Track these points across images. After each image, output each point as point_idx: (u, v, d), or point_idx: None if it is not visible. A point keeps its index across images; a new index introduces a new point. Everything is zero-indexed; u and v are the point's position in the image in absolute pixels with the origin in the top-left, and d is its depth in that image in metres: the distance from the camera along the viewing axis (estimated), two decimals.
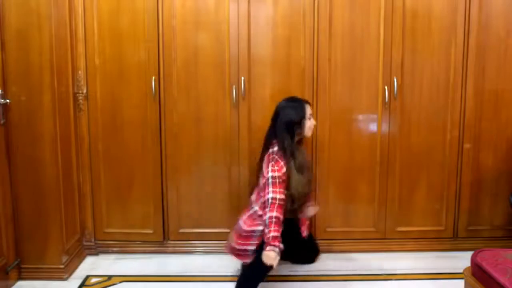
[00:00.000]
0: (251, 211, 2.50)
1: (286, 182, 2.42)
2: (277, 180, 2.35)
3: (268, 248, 2.23)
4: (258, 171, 2.56)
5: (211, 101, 2.86)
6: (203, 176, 2.93)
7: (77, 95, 2.82)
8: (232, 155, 2.90)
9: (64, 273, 2.65)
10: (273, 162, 2.38)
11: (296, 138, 2.50)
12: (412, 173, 2.94)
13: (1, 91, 2.45)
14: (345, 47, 2.82)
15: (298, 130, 2.48)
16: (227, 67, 2.82)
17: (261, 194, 2.41)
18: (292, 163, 2.44)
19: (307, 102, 2.54)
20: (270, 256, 2.22)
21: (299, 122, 2.47)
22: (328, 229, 2.98)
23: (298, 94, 2.70)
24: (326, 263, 2.85)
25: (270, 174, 2.36)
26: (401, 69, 2.84)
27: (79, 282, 2.64)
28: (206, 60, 2.82)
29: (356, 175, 2.94)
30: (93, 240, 2.97)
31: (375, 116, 2.89)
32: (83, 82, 2.82)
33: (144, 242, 2.98)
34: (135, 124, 2.86)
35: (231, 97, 2.84)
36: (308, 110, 2.52)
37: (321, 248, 2.97)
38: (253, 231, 2.43)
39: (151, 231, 2.97)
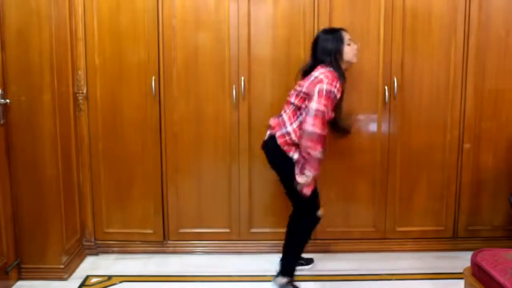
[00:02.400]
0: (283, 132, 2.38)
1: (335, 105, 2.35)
2: (330, 95, 2.25)
3: (303, 172, 2.28)
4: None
5: (211, 101, 2.86)
6: (203, 176, 2.93)
7: (77, 95, 2.82)
8: (232, 155, 2.90)
9: (64, 273, 2.65)
10: (329, 79, 2.26)
11: (343, 66, 2.43)
12: (412, 173, 2.94)
13: (1, 91, 2.45)
14: None
15: (340, 59, 2.40)
16: (227, 67, 2.82)
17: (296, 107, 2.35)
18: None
19: (343, 29, 2.46)
20: (303, 181, 2.27)
21: (339, 50, 2.39)
22: (328, 229, 2.98)
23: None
24: (326, 263, 2.85)
25: (324, 86, 2.24)
26: (401, 69, 2.84)
27: (79, 282, 2.64)
28: (206, 60, 2.82)
29: (356, 175, 2.94)
30: (93, 240, 2.97)
31: (375, 116, 2.89)
32: (83, 82, 2.82)
33: (144, 242, 2.99)
34: (135, 124, 2.86)
35: (231, 97, 2.84)
36: (346, 36, 2.44)
37: (321, 248, 2.97)
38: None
39: (151, 231, 2.97)
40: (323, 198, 2.93)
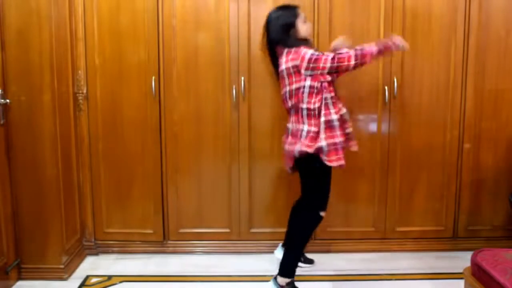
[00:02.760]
0: (300, 132, 2.30)
1: None
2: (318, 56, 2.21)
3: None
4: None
5: (211, 101, 2.86)
6: (203, 176, 2.93)
7: (77, 95, 2.82)
8: (232, 155, 2.90)
9: (64, 273, 2.65)
10: (299, 53, 2.23)
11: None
12: (412, 173, 2.94)
13: (1, 91, 2.45)
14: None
15: (295, 34, 2.32)
16: (227, 67, 2.82)
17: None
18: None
19: (297, 6, 2.41)
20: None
21: (293, 24, 2.32)
22: (328, 229, 2.98)
23: None
24: (326, 263, 2.85)
25: (307, 53, 2.21)
26: (401, 69, 2.84)
27: (79, 282, 2.64)
28: (206, 60, 2.82)
29: (356, 175, 2.94)
30: (93, 240, 2.97)
31: (375, 116, 2.89)
32: (83, 82, 2.82)
33: (144, 242, 2.98)
34: (135, 124, 2.86)
35: (231, 97, 2.84)
36: (302, 13, 2.38)
37: (321, 248, 2.97)
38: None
39: (151, 231, 2.97)
40: None
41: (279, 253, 2.71)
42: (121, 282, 2.64)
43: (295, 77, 2.26)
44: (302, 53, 2.23)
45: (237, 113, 2.86)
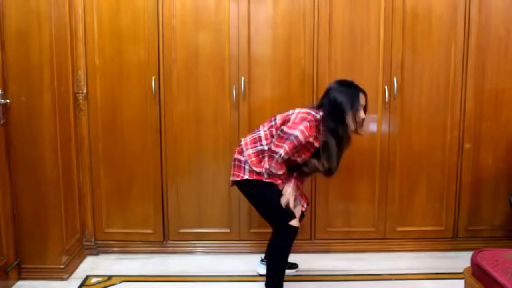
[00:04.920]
0: (257, 146, 2.38)
1: (312, 149, 2.34)
2: (294, 141, 2.22)
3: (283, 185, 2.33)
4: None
5: (211, 101, 2.86)
6: (203, 176, 2.93)
7: (77, 95, 2.82)
8: (232, 155, 2.89)
9: (64, 273, 2.65)
10: (308, 123, 2.23)
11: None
12: (412, 173, 2.94)
13: (1, 91, 2.45)
14: (345, 47, 2.82)
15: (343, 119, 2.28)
16: (227, 67, 2.82)
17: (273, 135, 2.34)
18: (331, 139, 2.28)
19: (362, 90, 2.31)
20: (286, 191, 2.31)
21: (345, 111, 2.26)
22: (328, 229, 2.98)
23: (298, 94, 2.71)
24: (326, 263, 2.85)
25: (296, 132, 2.22)
26: (401, 69, 2.84)
27: (79, 282, 2.64)
28: (206, 60, 2.82)
29: (356, 175, 2.94)
30: (93, 240, 2.97)
31: (375, 116, 2.89)
32: (83, 82, 2.82)
33: (144, 242, 2.98)
34: (135, 124, 2.86)
35: (231, 97, 2.84)
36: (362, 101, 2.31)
37: (321, 248, 2.97)
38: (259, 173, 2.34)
39: (151, 231, 2.97)
40: (323, 198, 2.94)
41: (261, 269, 2.66)
42: (121, 282, 2.64)
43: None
44: (293, 123, 2.27)
45: (237, 113, 2.86)
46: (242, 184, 2.41)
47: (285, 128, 2.26)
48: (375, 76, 2.84)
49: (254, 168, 2.34)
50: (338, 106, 2.25)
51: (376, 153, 2.92)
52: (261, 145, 2.37)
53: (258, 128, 2.45)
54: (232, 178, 2.44)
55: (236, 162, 2.42)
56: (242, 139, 2.46)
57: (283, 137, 2.25)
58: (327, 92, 2.34)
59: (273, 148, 2.27)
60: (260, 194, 2.36)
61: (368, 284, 2.62)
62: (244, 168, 2.37)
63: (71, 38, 2.74)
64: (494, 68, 2.85)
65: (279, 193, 2.32)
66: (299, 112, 2.30)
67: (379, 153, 2.92)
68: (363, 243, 3.00)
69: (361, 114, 2.30)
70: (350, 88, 2.30)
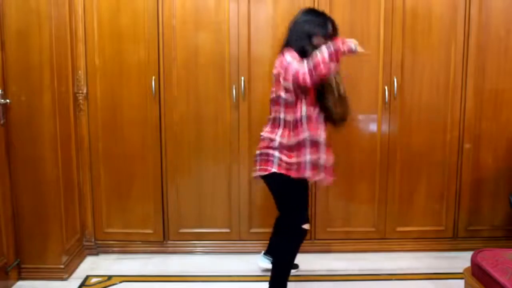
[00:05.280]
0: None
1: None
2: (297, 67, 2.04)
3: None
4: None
5: (211, 101, 2.86)
6: (203, 176, 2.93)
7: (77, 95, 2.82)
8: (232, 155, 2.90)
9: (64, 273, 2.65)
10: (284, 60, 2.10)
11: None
12: (412, 173, 2.94)
13: (1, 91, 2.45)
14: None
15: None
16: (227, 67, 2.82)
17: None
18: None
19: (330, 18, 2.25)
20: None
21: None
22: (328, 229, 2.98)
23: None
24: (326, 263, 2.85)
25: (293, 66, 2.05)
26: (401, 69, 2.84)
27: (79, 282, 2.64)
28: (206, 60, 2.82)
29: (356, 175, 2.94)
30: (93, 240, 2.97)
31: (375, 116, 2.89)
32: (83, 82, 2.82)
33: (144, 242, 2.99)
34: (135, 124, 2.87)
35: (231, 96, 2.84)
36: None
37: (321, 248, 2.98)
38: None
39: (151, 231, 2.97)
40: (322, 198, 2.94)
41: (263, 262, 2.67)
42: (121, 282, 2.64)
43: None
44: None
45: (237, 113, 2.86)
46: (269, 178, 2.25)
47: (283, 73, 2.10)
48: (375, 76, 2.85)
49: (285, 158, 2.17)
50: (307, 33, 2.18)
51: (376, 153, 2.92)
52: (280, 117, 2.20)
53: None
54: (258, 173, 2.27)
55: (263, 157, 2.23)
56: (262, 133, 2.30)
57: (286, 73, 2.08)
58: (294, 24, 2.24)
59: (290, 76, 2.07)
60: (284, 189, 2.26)
61: (368, 284, 2.62)
62: (273, 161, 2.21)
63: (71, 38, 2.74)
64: (494, 68, 2.85)
65: (304, 192, 2.29)
66: (281, 60, 2.12)
67: (379, 153, 2.92)
68: (363, 243, 3.00)
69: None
70: (318, 17, 2.25)
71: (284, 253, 2.30)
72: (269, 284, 2.32)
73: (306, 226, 2.29)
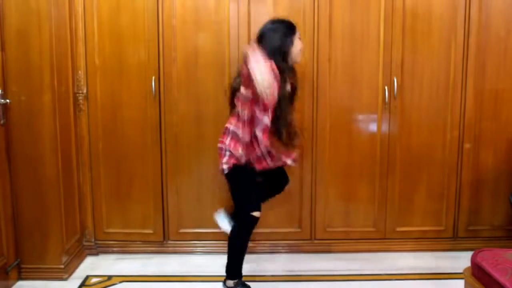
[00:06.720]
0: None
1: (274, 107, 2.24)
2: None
3: None
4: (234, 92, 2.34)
5: (211, 101, 2.86)
6: (203, 176, 2.93)
7: (77, 95, 2.82)
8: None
9: (64, 273, 2.65)
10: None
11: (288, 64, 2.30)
12: (412, 173, 2.94)
13: (1, 91, 2.45)
14: (345, 47, 2.82)
15: (287, 57, 2.27)
16: (227, 67, 2.82)
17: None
18: (284, 86, 2.25)
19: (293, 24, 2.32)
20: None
21: (287, 50, 2.26)
22: (328, 229, 2.98)
23: (298, 94, 2.70)
24: (326, 263, 2.85)
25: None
26: (401, 69, 2.84)
27: (79, 282, 2.64)
28: (206, 60, 2.82)
29: (356, 175, 2.94)
30: (93, 240, 2.97)
31: (375, 116, 2.89)
32: (83, 82, 2.82)
33: (144, 242, 2.98)
34: (135, 124, 2.86)
35: None
36: (297, 33, 2.33)
37: (321, 248, 2.97)
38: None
39: (151, 231, 2.97)
40: (323, 198, 2.94)
41: (219, 219, 2.62)
42: (121, 282, 2.64)
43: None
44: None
45: None
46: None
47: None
48: (375, 76, 2.84)
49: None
50: (281, 43, 2.24)
51: (376, 153, 2.92)
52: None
53: None
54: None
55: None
56: None
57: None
58: (263, 35, 2.28)
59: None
60: (236, 178, 2.39)
61: (368, 284, 2.62)
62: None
63: (71, 38, 2.74)
64: (494, 68, 2.85)
65: (254, 181, 2.40)
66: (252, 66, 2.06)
67: (379, 153, 2.92)
68: (363, 243, 3.00)
69: (300, 43, 2.34)
70: (282, 23, 2.31)
71: (235, 239, 2.45)
72: (226, 269, 2.46)
73: (255, 213, 2.39)
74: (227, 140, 2.33)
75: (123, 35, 2.79)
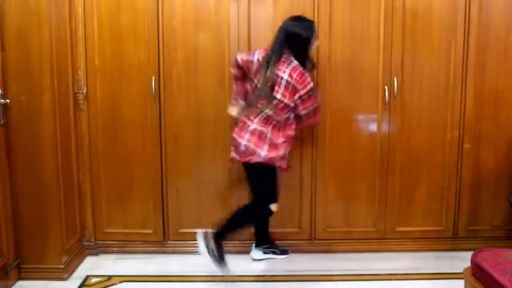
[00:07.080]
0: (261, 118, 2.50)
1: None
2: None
3: None
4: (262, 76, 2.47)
5: (211, 101, 2.86)
6: (203, 176, 2.93)
7: (77, 95, 2.82)
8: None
9: (64, 273, 2.65)
10: (304, 76, 2.41)
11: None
12: (412, 173, 2.94)
13: (1, 91, 2.45)
14: (345, 47, 2.82)
15: (310, 57, 2.53)
16: (227, 67, 2.82)
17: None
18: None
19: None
20: None
21: (311, 51, 2.52)
22: (328, 229, 2.98)
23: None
24: (326, 263, 2.85)
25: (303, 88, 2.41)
26: (401, 69, 2.84)
27: (79, 282, 2.64)
28: (206, 60, 2.82)
29: (356, 175, 2.94)
30: (93, 240, 2.97)
31: (375, 116, 2.89)
32: (83, 82, 2.82)
33: (144, 242, 2.98)
34: (135, 124, 2.87)
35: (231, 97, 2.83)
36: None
37: (321, 248, 2.97)
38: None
39: (151, 231, 2.97)
40: (323, 198, 2.94)
41: (255, 254, 2.86)
42: (121, 282, 2.64)
43: (287, 93, 2.42)
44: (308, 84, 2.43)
45: None
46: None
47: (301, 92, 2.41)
48: (375, 76, 2.84)
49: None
50: (304, 40, 2.44)
51: (376, 153, 2.92)
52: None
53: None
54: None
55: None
56: None
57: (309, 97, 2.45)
58: (287, 33, 2.44)
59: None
60: (268, 171, 2.55)
61: (368, 284, 2.62)
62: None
63: (71, 38, 2.74)
64: (494, 68, 2.85)
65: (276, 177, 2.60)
66: (292, 71, 2.40)
67: (379, 153, 2.92)
68: (363, 243, 3.00)
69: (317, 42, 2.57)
70: (303, 21, 2.49)
71: (243, 217, 2.61)
72: (217, 229, 2.56)
73: (273, 207, 2.61)
74: (269, 130, 2.48)
75: (123, 35, 2.79)
